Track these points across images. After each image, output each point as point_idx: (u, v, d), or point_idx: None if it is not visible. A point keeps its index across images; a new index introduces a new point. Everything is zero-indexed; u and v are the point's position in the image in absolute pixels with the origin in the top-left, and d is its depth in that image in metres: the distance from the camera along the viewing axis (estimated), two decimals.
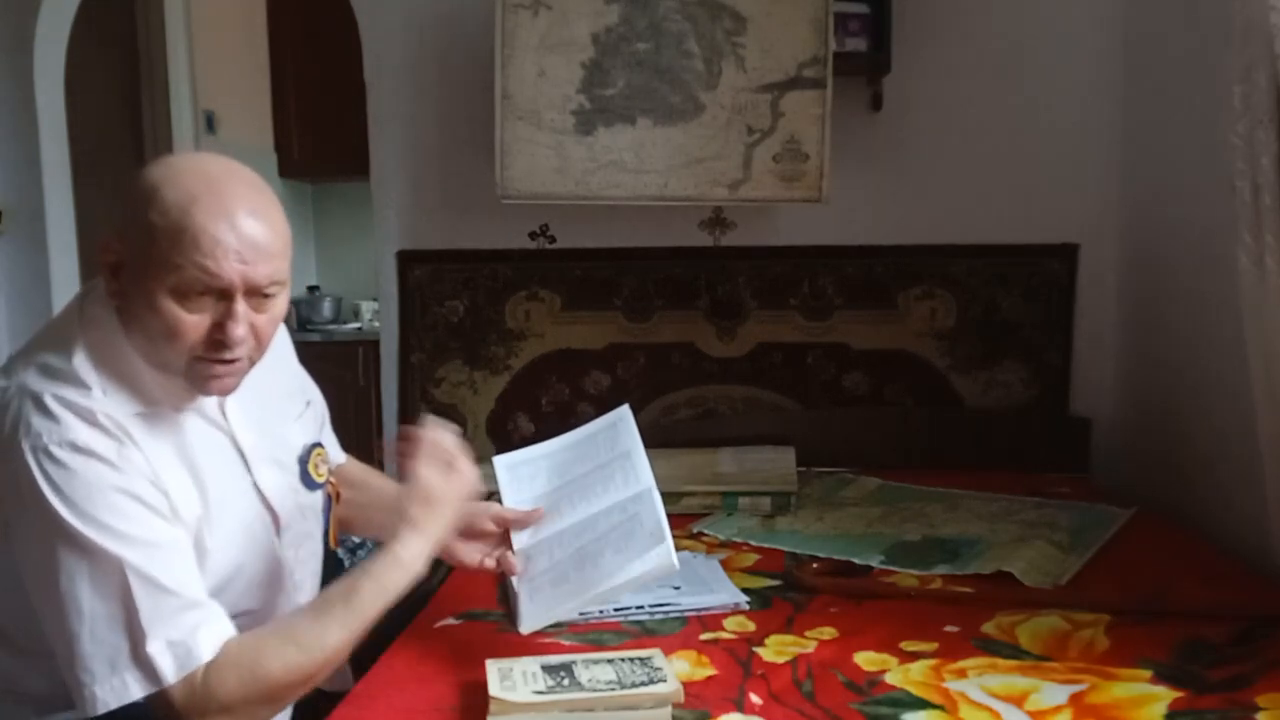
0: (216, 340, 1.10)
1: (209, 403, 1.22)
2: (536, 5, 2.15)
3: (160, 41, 3.75)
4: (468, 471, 1.26)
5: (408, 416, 2.49)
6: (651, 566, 1.21)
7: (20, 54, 2.99)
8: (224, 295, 1.09)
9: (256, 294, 1.11)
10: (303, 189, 4.64)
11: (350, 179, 3.92)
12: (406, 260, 2.50)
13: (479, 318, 2.48)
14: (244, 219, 1.09)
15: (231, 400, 1.23)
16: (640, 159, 2.19)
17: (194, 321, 1.09)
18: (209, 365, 1.12)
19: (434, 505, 1.22)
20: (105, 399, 1.10)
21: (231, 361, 1.12)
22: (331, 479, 1.40)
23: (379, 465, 1.61)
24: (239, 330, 1.10)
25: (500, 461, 1.47)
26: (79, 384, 1.10)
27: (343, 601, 1.14)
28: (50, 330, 1.19)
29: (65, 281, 3.13)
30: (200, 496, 1.17)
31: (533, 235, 2.47)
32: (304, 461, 1.33)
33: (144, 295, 1.09)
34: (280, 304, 1.16)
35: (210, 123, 4.00)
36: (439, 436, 1.27)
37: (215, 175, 1.11)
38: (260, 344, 1.16)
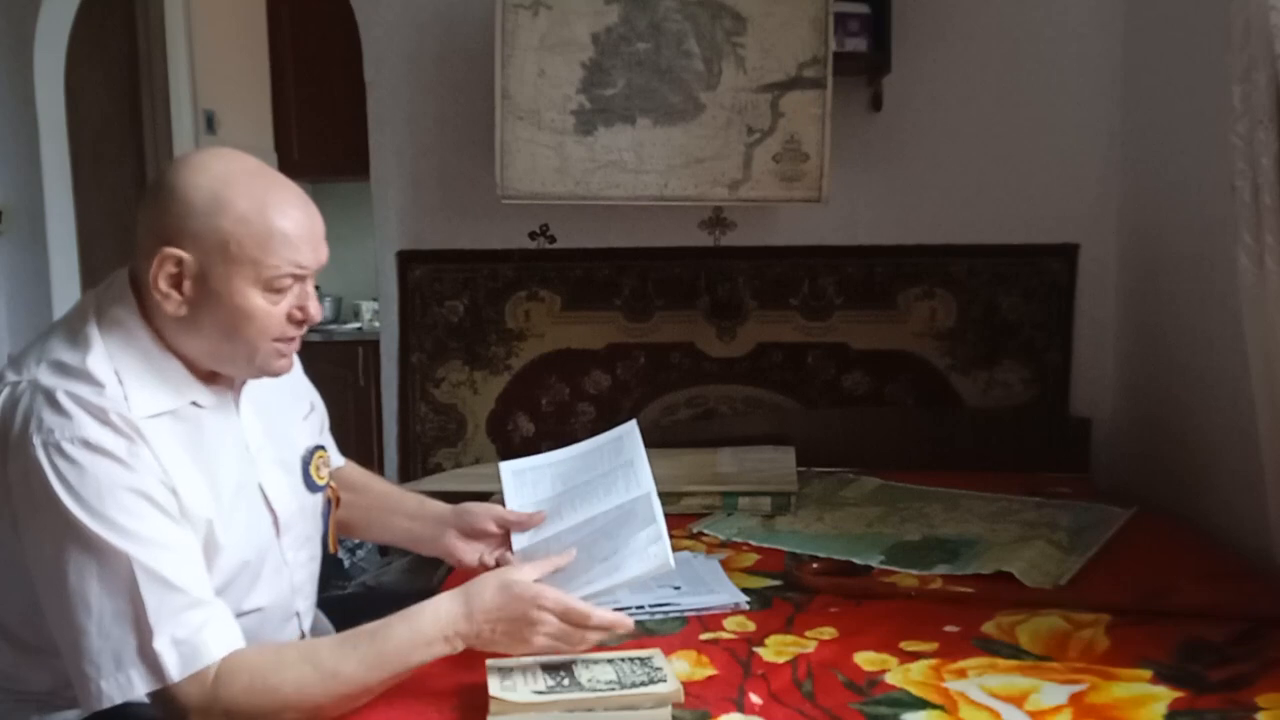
0: (298, 320, 1.18)
1: (225, 402, 1.23)
2: (536, 5, 2.15)
3: (160, 41, 3.75)
4: (533, 645, 1.15)
5: (407, 416, 2.49)
6: (648, 566, 1.22)
7: (20, 54, 3.00)
8: (298, 279, 1.17)
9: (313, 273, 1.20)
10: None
11: (350, 179, 3.92)
12: (406, 260, 2.49)
13: (479, 318, 2.48)
14: (304, 209, 1.18)
15: (245, 401, 1.25)
16: (640, 159, 2.18)
17: (279, 310, 1.16)
18: (283, 345, 1.19)
19: (499, 628, 1.14)
20: (120, 398, 1.11)
21: (296, 339, 1.21)
22: (332, 483, 1.40)
23: (379, 468, 1.61)
24: (319, 305, 1.20)
25: (506, 467, 1.49)
26: (92, 382, 1.11)
27: (369, 636, 1.13)
28: (64, 327, 1.19)
29: (65, 281, 3.13)
30: (213, 494, 1.17)
31: (533, 235, 2.47)
32: (306, 463, 1.34)
33: (226, 297, 1.13)
34: None
35: (210, 123, 4.00)
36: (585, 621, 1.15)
37: (261, 173, 1.18)
38: None
